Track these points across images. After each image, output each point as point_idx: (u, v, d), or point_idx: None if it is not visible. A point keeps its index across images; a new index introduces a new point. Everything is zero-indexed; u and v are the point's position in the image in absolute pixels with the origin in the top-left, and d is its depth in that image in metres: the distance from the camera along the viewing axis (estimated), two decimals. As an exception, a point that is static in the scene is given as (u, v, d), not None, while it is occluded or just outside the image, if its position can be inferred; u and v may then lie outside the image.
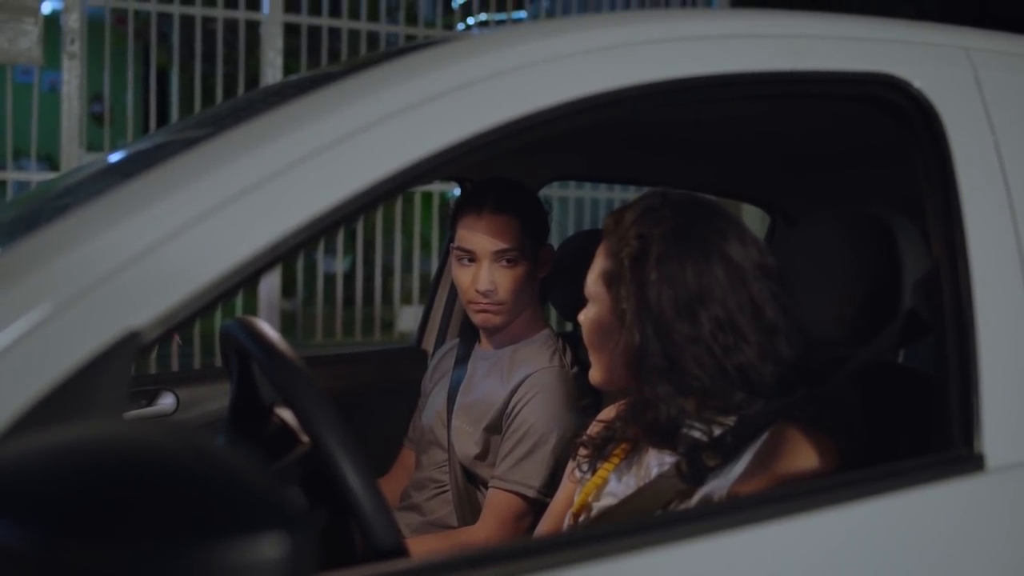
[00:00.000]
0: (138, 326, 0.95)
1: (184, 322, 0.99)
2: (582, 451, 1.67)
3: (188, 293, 0.99)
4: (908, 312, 1.39)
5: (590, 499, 1.60)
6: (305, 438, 1.41)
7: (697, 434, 1.47)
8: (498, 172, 2.28)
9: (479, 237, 2.14)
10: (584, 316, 1.61)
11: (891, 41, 1.41)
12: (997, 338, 1.31)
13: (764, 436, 1.43)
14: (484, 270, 2.14)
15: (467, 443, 2.17)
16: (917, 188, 1.40)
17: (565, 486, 1.80)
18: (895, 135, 1.42)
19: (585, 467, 1.65)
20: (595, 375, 1.61)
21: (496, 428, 2.15)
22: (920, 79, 1.37)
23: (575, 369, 2.18)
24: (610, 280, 1.53)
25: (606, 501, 1.57)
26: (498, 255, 2.14)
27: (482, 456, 2.15)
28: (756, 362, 1.44)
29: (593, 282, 1.58)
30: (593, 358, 1.60)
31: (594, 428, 1.72)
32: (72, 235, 0.99)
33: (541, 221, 2.21)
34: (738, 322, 1.44)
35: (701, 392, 1.45)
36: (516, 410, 2.11)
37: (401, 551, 1.16)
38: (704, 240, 1.47)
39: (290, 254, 1.04)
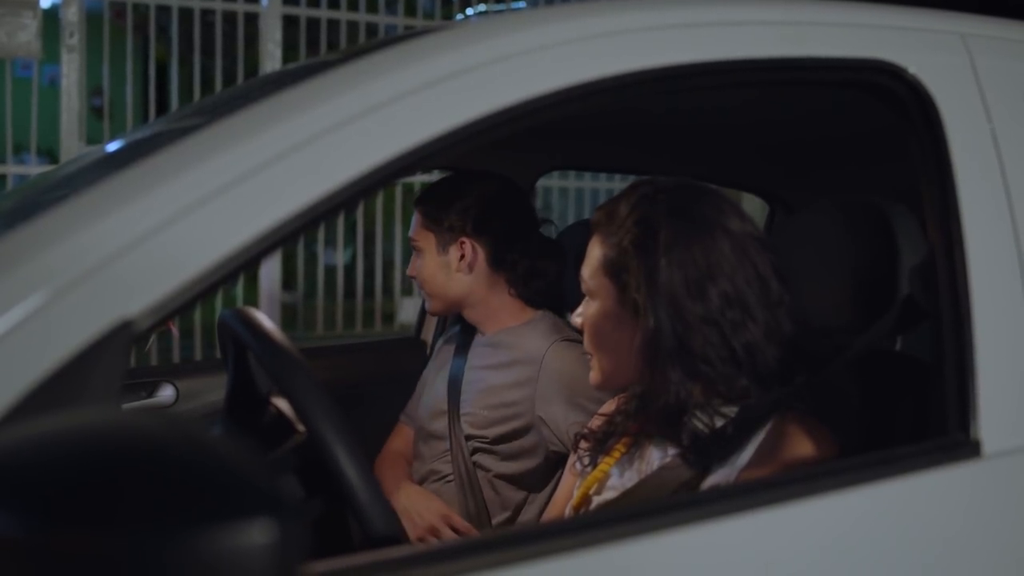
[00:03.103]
0: (131, 316, 0.95)
1: (179, 310, 0.99)
2: (583, 444, 1.67)
3: (183, 281, 0.99)
4: (905, 299, 1.39)
5: (591, 492, 1.59)
6: (301, 427, 1.41)
7: (700, 425, 1.46)
8: (493, 162, 2.29)
9: None
10: (584, 313, 1.58)
11: (886, 27, 1.40)
12: (993, 324, 1.31)
13: (767, 426, 1.43)
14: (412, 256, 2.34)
15: (493, 428, 2.17)
16: (914, 176, 1.40)
17: (566, 479, 1.79)
18: (891, 122, 1.42)
19: (587, 460, 1.65)
20: (598, 375, 1.58)
21: (519, 406, 2.15)
22: (916, 66, 1.36)
23: None
24: (613, 271, 1.51)
25: (608, 495, 1.56)
26: (411, 243, 2.33)
27: (511, 435, 2.16)
28: (762, 342, 1.44)
29: (592, 276, 1.55)
30: (596, 357, 1.57)
31: (595, 421, 1.71)
32: (66, 224, 0.99)
33: (453, 213, 2.22)
34: (746, 297, 1.44)
35: (708, 377, 1.44)
36: (560, 414, 2.12)
37: (397, 539, 1.17)
38: (705, 216, 1.47)
39: (285, 242, 1.04)
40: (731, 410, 1.46)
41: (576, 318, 1.60)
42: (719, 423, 1.45)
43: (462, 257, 2.22)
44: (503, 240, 2.23)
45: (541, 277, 2.24)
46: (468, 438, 2.19)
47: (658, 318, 1.44)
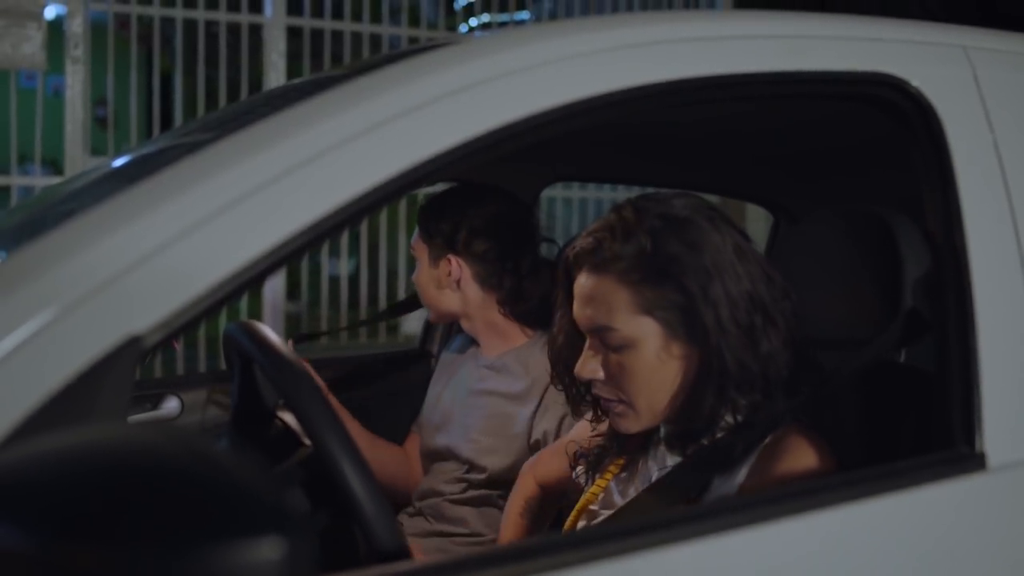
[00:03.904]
0: (139, 331, 0.96)
1: (187, 326, 0.99)
2: (580, 465, 1.64)
3: (191, 297, 0.99)
4: (909, 310, 1.39)
5: (593, 506, 1.58)
6: (307, 441, 1.41)
7: (705, 438, 1.45)
8: (497, 174, 2.29)
9: None
10: (623, 362, 1.44)
11: (889, 40, 1.41)
12: (998, 336, 1.32)
13: (766, 440, 1.41)
14: None
15: (493, 457, 2.16)
16: (917, 187, 1.40)
17: (523, 481, 1.78)
18: (895, 131, 1.42)
19: (583, 479, 1.63)
20: (635, 421, 1.47)
21: (524, 438, 2.13)
22: (918, 78, 1.37)
23: None
24: (657, 309, 1.41)
25: (609, 511, 1.54)
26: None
27: (513, 467, 2.12)
28: (780, 350, 1.40)
29: (626, 323, 1.42)
30: (632, 402, 1.45)
31: (581, 434, 1.68)
32: (75, 240, 1.00)
33: (443, 229, 2.22)
34: (762, 296, 1.40)
35: (736, 392, 1.41)
36: (552, 433, 2.10)
37: (403, 553, 1.17)
38: (712, 220, 1.43)
39: (292, 257, 1.05)
40: (733, 420, 1.45)
41: (594, 374, 1.47)
42: (720, 434, 1.44)
43: (449, 273, 2.22)
44: (489, 260, 2.21)
45: (526, 300, 2.22)
46: (470, 467, 2.18)
47: (720, 339, 1.38)
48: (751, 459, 1.41)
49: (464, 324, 2.29)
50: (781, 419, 1.41)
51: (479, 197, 2.25)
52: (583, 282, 1.47)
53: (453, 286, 2.23)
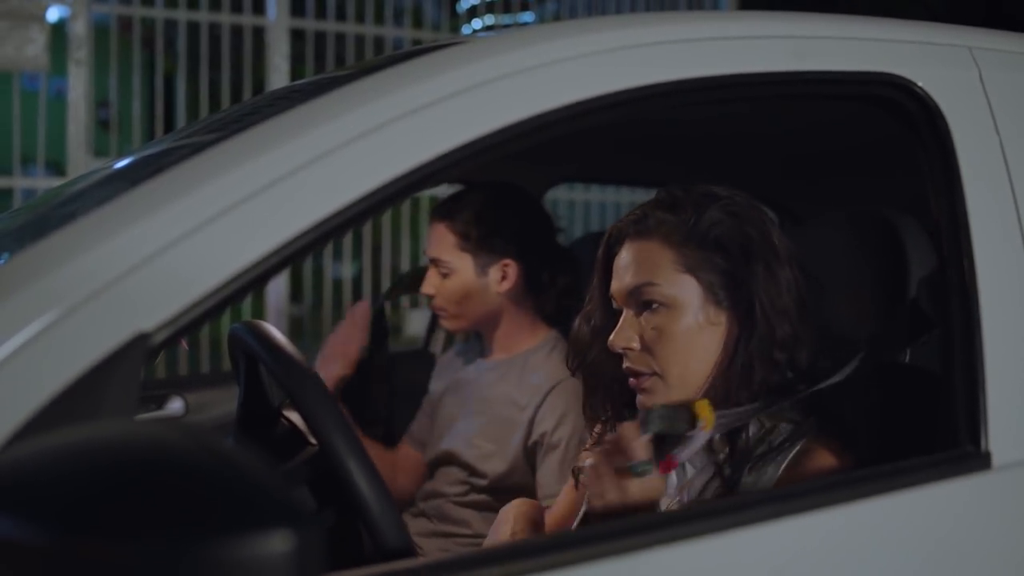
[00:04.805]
0: (147, 329, 0.96)
1: (192, 325, 0.99)
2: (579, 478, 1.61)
3: (195, 297, 0.99)
4: (915, 311, 1.39)
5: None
6: (313, 440, 1.42)
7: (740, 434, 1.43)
8: (503, 176, 2.27)
9: (428, 242, 2.21)
10: (660, 324, 1.44)
11: (895, 41, 1.41)
12: (1003, 336, 1.32)
13: (797, 448, 1.40)
14: (429, 274, 2.20)
15: (493, 463, 2.14)
16: (922, 188, 1.40)
17: (568, 494, 1.78)
18: (900, 133, 1.42)
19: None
20: (666, 392, 1.44)
21: (522, 443, 2.12)
22: (924, 79, 1.37)
23: None
24: (697, 270, 1.43)
25: None
26: (433, 263, 2.18)
27: (511, 472, 2.13)
28: (811, 338, 1.42)
29: (670, 280, 1.43)
30: (669, 373, 1.44)
31: (587, 437, 1.67)
32: (80, 240, 1.00)
33: (495, 234, 2.14)
34: (797, 280, 1.43)
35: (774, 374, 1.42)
36: (549, 434, 2.08)
37: (408, 551, 1.17)
38: (748, 203, 1.47)
39: (296, 258, 1.05)
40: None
41: (629, 343, 1.45)
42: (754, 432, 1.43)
43: (504, 277, 2.15)
44: (544, 259, 2.17)
45: (571, 292, 2.14)
46: (472, 471, 2.17)
47: (760, 314, 1.40)
48: (778, 473, 1.39)
49: (486, 329, 2.23)
50: (808, 430, 1.40)
51: (510, 196, 2.20)
52: (625, 252, 1.49)
53: (506, 290, 2.15)
